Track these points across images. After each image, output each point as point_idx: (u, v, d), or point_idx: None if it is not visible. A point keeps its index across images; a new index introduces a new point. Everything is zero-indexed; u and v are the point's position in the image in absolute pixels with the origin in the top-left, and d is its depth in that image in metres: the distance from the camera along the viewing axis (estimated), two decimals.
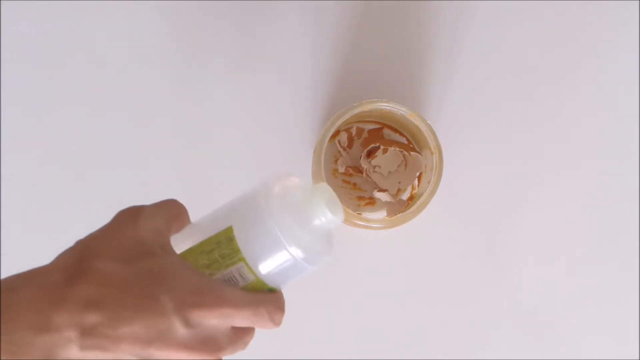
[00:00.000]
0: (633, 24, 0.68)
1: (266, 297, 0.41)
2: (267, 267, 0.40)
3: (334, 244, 0.42)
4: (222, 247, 0.40)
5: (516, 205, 0.67)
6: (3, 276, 0.38)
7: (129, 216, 0.41)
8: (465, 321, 0.66)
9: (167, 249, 0.40)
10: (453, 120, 0.67)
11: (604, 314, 0.67)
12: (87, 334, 0.37)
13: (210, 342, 0.40)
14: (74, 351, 0.37)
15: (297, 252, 0.40)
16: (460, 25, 0.67)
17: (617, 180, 0.67)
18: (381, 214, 0.65)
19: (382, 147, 0.64)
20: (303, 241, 0.40)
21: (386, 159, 0.65)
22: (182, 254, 0.41)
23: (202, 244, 0.41)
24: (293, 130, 0.66)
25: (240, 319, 0.40)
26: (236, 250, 0.40)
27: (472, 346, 0.66)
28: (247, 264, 0.40)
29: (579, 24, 0.68)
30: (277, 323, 0.42)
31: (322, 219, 0.41)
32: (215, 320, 0.39)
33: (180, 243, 0.41)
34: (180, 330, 0.39)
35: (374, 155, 0.65)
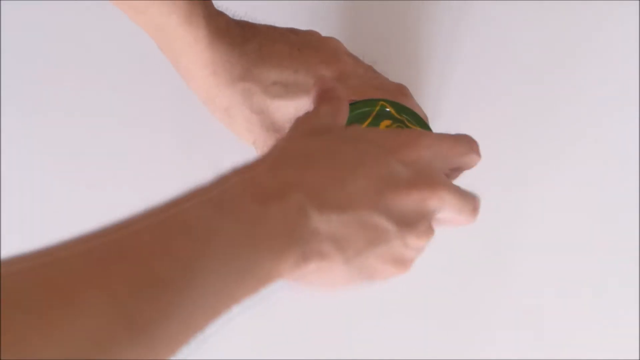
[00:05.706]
0: (633, 24, 0.68)
1: (458, 136, 0.43)
2: None
3: None
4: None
5: (517, 204, 0.67)
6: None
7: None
8: (465, 321, 0.66)
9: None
10: (453, 120, 0.67)
11: (604, 314, 0.67)
12: (315, 197, 0.36)
13: (429, 174, 0.40)
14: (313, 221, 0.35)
15: None
16: (460, 25, 0.67)
17: (620, 181, 0.67)
18: None
19: None
20: None
21: None
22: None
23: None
24: None
25: (440, 148, 0.40)
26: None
27: (472, 346, 0.66)
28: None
29: (580, 23, 0.68)
30: (476, 151, 0.43)
31: None
32: (424, 151, 0.40)
33: None
34: (401, 169, 0.39)
35: None
